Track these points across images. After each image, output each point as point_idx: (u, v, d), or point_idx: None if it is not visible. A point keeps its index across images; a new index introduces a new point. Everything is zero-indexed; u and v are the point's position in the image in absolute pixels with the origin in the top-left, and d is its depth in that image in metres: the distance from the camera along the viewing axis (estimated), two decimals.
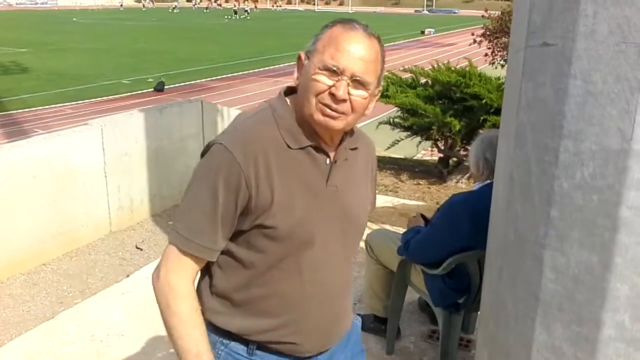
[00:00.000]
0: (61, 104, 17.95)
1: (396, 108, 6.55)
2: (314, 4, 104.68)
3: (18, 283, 3.86)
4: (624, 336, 1.44)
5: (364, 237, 3.11)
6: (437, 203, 5.37)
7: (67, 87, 20.62)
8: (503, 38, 13.16)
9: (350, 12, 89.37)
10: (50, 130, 14.12)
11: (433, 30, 50.89)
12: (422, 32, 49.70)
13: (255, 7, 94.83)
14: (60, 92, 19.60)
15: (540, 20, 1.46)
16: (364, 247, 3.00)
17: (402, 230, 2.84)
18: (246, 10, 75.65)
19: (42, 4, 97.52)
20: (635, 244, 1.38)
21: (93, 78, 22.58)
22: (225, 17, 68.70)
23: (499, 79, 6.19)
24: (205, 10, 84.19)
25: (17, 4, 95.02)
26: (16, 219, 3.89)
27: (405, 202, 5.24)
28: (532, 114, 1.50)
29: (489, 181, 2.35)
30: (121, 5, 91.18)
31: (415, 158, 9.15)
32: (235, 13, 72.95)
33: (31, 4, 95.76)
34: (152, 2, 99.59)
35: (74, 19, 61.30)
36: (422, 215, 2.84)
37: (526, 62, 1.51)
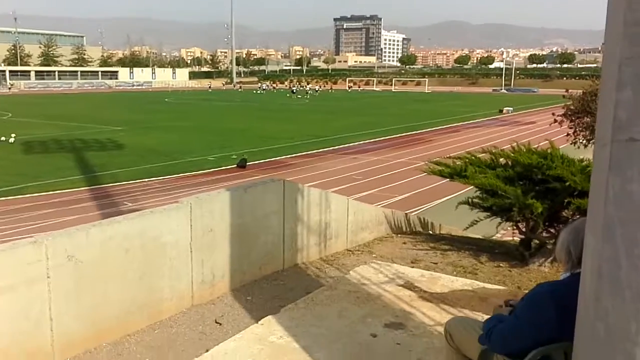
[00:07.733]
0: (149, 179, 19.07)
1: (474, 187, 6.51)
2: (392, 85, 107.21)
3: (104, 353, 4.02)
4: None
5: (443, 323, 3.05)
6: (519, 287, 5.17)
7: (156, 162, 21.96)
8: (585, 118, 12.94)
9: (427, 92, 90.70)
10: (139, 202, 14.97)
11: (511, 109, 50.59)
12: (501, 111, 49.49)
13: (332, 88, 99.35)
14: (149, 167, 20.87)
15: (625, 116, 1.48)
16: (443, 334, 2.94)
17: (482, 317, 2.77)
18: (307, 91, 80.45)
19: (138, 85, 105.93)
20: None
21: (181, 154, 23.95)
22: (306, 96, 72.00)
23: (582, 161, 6.05)
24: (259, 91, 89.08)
25: (116, 85, 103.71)
26: (108, 289, 4.11)
27: (486, 285, 5.08)
28: (621, 208, 1.49)
29: (577, 271, 2.28)
30: (209, 87, 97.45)
31: (494, 238, 8.92)
32: (294, 92, 77.77)
33: (128, 86, 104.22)
34: (238, 84, 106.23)
35: (166, 100, 65.93)
36: (508, 303, 2.75)
37: (613, 157, 1.52)
